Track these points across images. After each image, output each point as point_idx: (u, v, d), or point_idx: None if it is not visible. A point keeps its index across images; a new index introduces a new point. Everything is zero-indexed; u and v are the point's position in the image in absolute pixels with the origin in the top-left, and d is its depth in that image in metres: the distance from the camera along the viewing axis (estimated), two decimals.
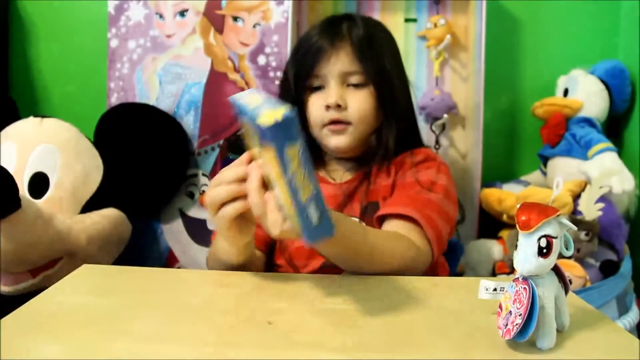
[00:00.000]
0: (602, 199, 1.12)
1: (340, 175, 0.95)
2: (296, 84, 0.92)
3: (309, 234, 0.51)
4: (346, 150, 0.92)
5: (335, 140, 0.90)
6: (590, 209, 1.11)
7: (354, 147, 0.91)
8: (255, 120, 0.48)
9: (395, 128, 0.91)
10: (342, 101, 0.88)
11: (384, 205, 0.86)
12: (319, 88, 0.90)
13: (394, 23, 1.36)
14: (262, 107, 0.50)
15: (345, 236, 0.65)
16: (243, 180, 0.61)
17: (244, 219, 0.64)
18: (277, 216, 0.56)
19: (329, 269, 0.78)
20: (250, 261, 0.76)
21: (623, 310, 1.10)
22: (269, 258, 0.92)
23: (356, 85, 0.89)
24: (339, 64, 0.88)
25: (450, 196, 0.88)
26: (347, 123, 0.89)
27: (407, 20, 1.36)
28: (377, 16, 1.36)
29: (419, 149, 0.95)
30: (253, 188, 0.58)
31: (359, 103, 0.88)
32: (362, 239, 0.69)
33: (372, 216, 0.85)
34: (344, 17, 0.94)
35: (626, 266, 1.14)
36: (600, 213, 1.11)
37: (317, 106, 0.90)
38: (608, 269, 1.11)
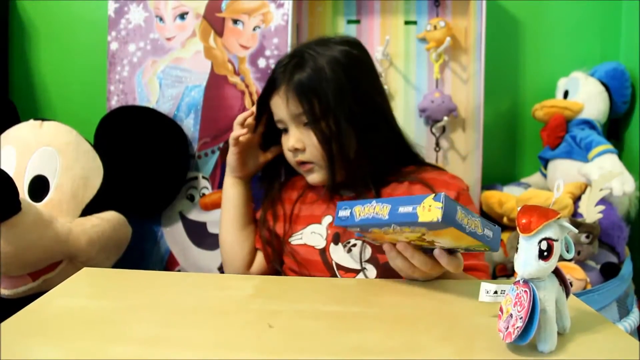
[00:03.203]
0: (602, 201, 1.12)
1: (343, 191, 0.95)
2: (271, 127, 0.97)
3: (493, 245, 0.62)
4: (326, 183, 0.92)
5: (310, 179, 0.93)
6: (590, 212, 1.11)
7: (335, 177, 0.89)
8: (418, 220, 0.58)
9: (368, 156, 0.90)
10: (299, 144, 0.89)
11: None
12: (284, 130, 0.93)
13: (394, 25, 1.36)
14: (401, 207, 0.60)
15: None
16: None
17: (248, 154, 1.00)
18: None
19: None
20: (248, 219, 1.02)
21: (624, 312, 1.10)
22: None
23: (309, 124, 0.88)
24: (289, 107, 0.88)
25: None
26: (312, 162, 0.90)
27: (407, 22, 1.37)
28: (377, 19, 1.36)
29: (430, 175, 0.93)
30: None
31: (315, 142, 0.88)
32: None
33: None
34: (293, 55, 0.92)
35: (627, 268, 1.14)
36: (600, 215, 1.11)
37: (285, 150, 0.94)
38: (609, 272, 1.11)
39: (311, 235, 0.92)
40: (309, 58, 0.89)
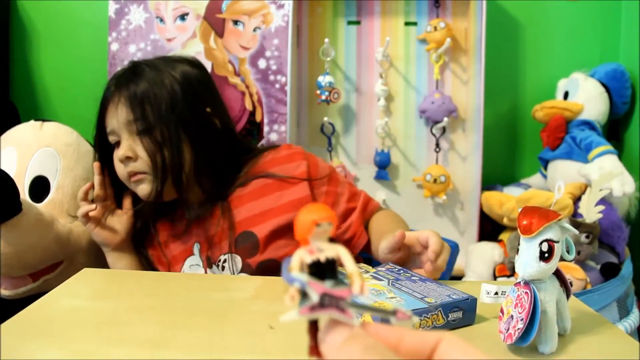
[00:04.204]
0: (602, 201, 1.12)
1: (192, 212, 0.91)
2: (102, 144, 0.90)
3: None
4: (157, 196, 0.86)
5: (140, 190, 0.87)
6: (590, 212, 1.11)
7: (163, 187, 0.86)
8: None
9: (205, 169, 0.88)
10: (130, 152, 0.85)
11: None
12: (118, 144, 0.87)
13: (394, 26, 1.37)
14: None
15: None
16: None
17: (109, 221, 0.90)
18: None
19: None
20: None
21: (624, 312, 1.10)
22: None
23: (143, 133, 0.85)
24: (121, 114, 0.85)
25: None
26: (143, 172, 0.86)
27: (407, 23, 1.37)
28: (377, 20, 1.36)
29: (269, 158, 0.92)
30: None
31: (149, 148, 0.84)
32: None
33: (246, 244, 0.85)
34: (129, 67, 0.91)
35: (627, 269, 1.14)
36: (600, 216, 1.11)
37: (116, 161, 0.87)
38: (609, 272, 1.11)
39: (191, 269, 0.89)
40: (145, 69, 0.88)
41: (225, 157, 0.91)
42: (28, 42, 1.47)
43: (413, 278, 0.65)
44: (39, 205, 0.99)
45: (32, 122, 1.12)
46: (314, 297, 0.26)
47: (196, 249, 0.89)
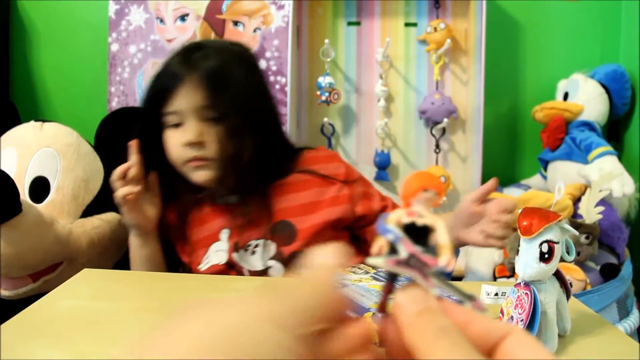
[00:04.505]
0: (602, 202, 1.12)
1: (228, 198, 0.91)
2: (153, 120, 0.87)
3: None
4: (213, 184, 0.87)
5: (198, 176, 0.86)
6: (590, 213, 1.11)
7: (226, 178, 0.86)
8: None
9: (260, 160, 0.87)
10: (200, 137, 0.83)
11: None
12: (177, 125, 0.85)
13: (394, 27, 1.37)
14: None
15: None
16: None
17: (143, 204, 0.87)
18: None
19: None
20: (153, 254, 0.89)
21: (624, 313, 1.10)
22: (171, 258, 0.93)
23: (213, 119, 0.84)
24: (193, 98, 0.83)
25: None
26: (207, 159, 0.85)
27: (407, 24, 1.37)
28: (377, 21, 1.36)
29: (309, 156, 0.94)
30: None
31: (218, 137, 0.84)
32: None
33: (283, 232, 0.85)
34: (196, 47, 0.89)
35: (626, 269, 1.14)
36: (600, 216, 1.11)
37: (176, 144, 0.85)
38: (608, 273, 1.11)
39: (216, 254, 0.88)
40: (218, 53, 0.87)
41: (279, 149, 0.92)
42: (28, 42, 1.47)
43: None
44: (39, 206, 0.99)
45: (32, 122, 1.12)
46: (403, 253, 0.25)
47: (224, 234, 0.89)
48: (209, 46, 0.88)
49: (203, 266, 0.88)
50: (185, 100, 0.83)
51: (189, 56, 0.86)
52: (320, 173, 0.90)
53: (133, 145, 0.87)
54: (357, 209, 0.90)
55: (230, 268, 0.86)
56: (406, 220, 0.27)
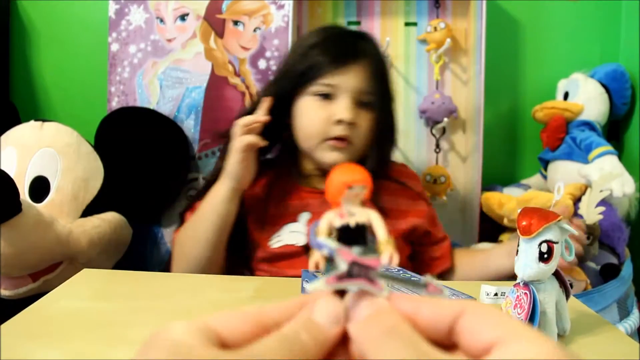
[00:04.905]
0: (602, 202, 1.12)
1: (319, 183, 0.93)
2: (297, 84, 0.86)
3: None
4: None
5: (333, 156, 0.86)
6: (590, 213, 1.11)
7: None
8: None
9: (387, 150, 0.94)
10: (356, 120, 0.85)
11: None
12: (325, 96, 0.86)
13: (394, 27, 1.37)
14: None
15: None
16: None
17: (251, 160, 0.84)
18: None
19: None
20: (223, 232, 0.85)
21: (624, 314, 1.10)
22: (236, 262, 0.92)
23: (365, 105, 0.86)
24: (357, 79, 0.85)
25: None
26: (351, 141, 0.86)
27: (407, 24, 1.37)
28: (377, 20, 1.36)
29: (396, 169, 1.00)
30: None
31: (367, 124, 0.86)
32: None
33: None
34: (361, 36, 0.93)
35: (627, 270, 1.14)
36: (601, 217, 1.10)
37: (322, 117, 0.85)
38: (609, 273, 1.11)
39: (290, 235, 0.88)
40: (378, 47, 0.93)
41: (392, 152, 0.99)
42: (28, 42, 1.47)
43: (413, 279, 0.65)
44: (39, 206, 0.99)
45: (32, 122, 1.12)
46: (342, 265, 0.24)
47: (303, 217, 0.89)
48: (373, 40, 0.94)
49: (274, 244, 0.88)
50: (347, 78, 0.85)
51: (358, 41, 0.90)
52: (409, 186, 0.96)
53: (267, 101, 0.85)
54: (429, 228, 0.95)
55: (306, 251, 0.86)
56: (338, 223, 0.26)
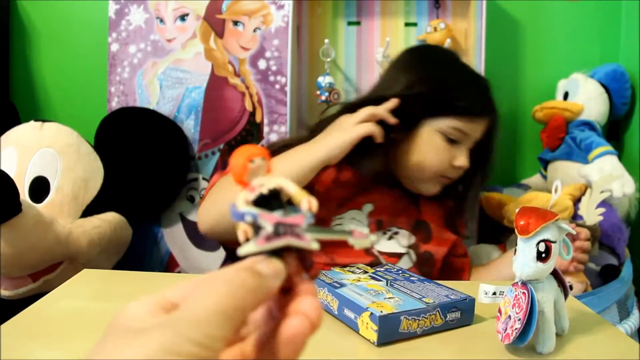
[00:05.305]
0: (602, 203, 1.12)
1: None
2: (428, 111, 0.89)
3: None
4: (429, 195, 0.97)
5: (433, 188, 0.93)
6: (590, 213, 1.11)
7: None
8: (359, 331, 0.54)
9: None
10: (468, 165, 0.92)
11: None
12: (452, 140, 0.90)
13: (394, 27, 1.37)
14: (346, 309, 0.56)
15: None
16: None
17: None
18: None
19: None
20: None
21: (624, 314, 1.10)
22: None
23: (473, 150, 0.92)
24: (481, 131, 0.92)
25: None
26: (452, 180, 0.93)
27: (407, 24, 1.37)
28: (377, 20, 1.37)
29: None
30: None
31: (467, 168, 0.93)
32: None
33: (422, 230, 0.94)
34: (490, 86, 0.97)
35: (627, 270, 1.13)
36: (601, 218, 1.10)
37: (444, 159, 0.90)
38: (609, 274, 1.11)
39: (351, 222, 0.90)
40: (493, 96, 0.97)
41: None
42: (28, 42, 1.47)
43: (412, 278, 0.65)
44: (39, 206, 0.99)
45: (32, 122, 1.12)
46: (268, 227, 0.26)
47: (366, 208, 0.92)
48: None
49: (335, 226, 0.91)
50: (476, 130, 0.91)
51: (491, 95, 0.96)
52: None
53: (394, 102, 0.87)
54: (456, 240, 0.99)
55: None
56: (252, 196, 0.27)
